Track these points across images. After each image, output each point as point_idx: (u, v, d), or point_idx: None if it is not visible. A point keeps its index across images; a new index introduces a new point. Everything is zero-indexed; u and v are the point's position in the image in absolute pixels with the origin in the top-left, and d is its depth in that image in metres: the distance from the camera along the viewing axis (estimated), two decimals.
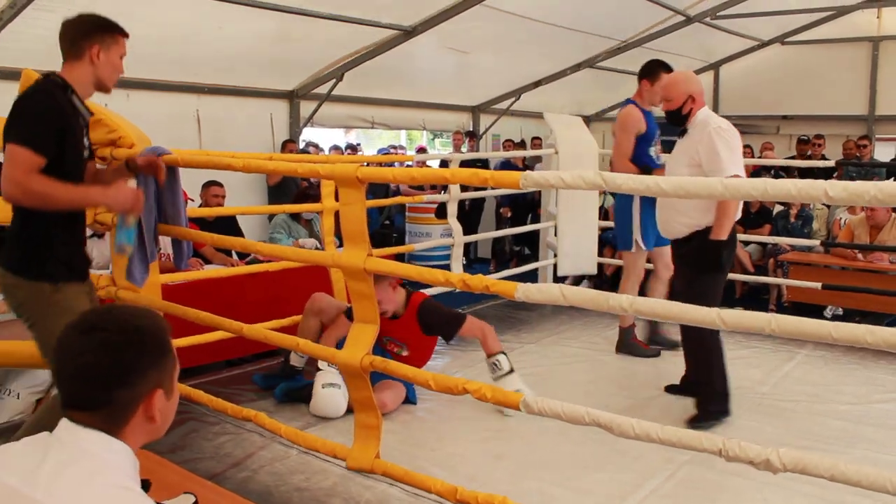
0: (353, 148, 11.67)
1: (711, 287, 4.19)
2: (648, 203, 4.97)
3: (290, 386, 4.49)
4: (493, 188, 9.43)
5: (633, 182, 2.43)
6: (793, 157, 9.60)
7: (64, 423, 1.44)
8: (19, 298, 2.94)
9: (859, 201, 2.02)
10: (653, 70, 5.17)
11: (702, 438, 2.32)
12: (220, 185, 6.35)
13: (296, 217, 6.76)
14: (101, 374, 1.41)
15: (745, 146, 9.95)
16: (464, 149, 10.59)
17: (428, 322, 4.41)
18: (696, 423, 4.09)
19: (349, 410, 4.03)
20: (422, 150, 13.09)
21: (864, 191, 1.94)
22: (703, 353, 4.22)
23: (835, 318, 7.20)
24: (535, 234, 8.04)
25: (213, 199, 6.30)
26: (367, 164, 9.50)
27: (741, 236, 7.45)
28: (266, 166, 3.71)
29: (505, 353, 4.41)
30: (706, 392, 4.24)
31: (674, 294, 4.27)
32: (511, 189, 8.58)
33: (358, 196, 3.07)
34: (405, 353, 4.41)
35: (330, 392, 4.18)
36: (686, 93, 4.20)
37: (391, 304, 4.34)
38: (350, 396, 3.42)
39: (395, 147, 13.48)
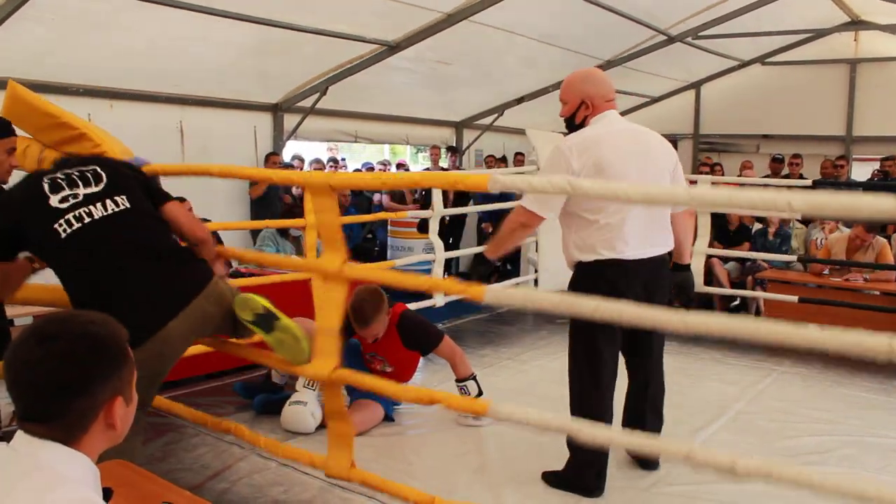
0: (336, 162, 11.67)
1: (580, 343, 3.45)
2: None
3: (269, 398, 4.50)
4: (472, 198, 9.51)
5: (600, 188, 2.44)
6: (767, 176, 9.71)
7: (19, 436, 1.40)
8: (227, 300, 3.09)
9: (822, 212, 2.04)
10: None
11: (668, 444, 2.35)
12: (185, 200, 6.31)
13: (283, 233, 6.76)
14: (58, 386, 1.38)
15: (716, 164, 10.09)
16: (446, 164, 10.62)
17: (407, 332, 4.42)
18: (551, 479, 3.62)
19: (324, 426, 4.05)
20: (401, 165, 13.11)
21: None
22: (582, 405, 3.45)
23: None
24: (517, 249, 8.08)
25: None
26: None
27: (720, 251, 7.55)
28: (243, 172, 3.74)
29: (475, 378, 4.44)
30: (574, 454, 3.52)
31: None
32: (489, 200, 8.63)
33: (331, 204, 3.09)
34: (389, 370, 4.42)
35: (294, 409, 4.22)
36: (580, 96, 3.42)
37: (382, 330, 4.36)
38: (324, 405, 3.44)
39: (383, 163, 13.45)
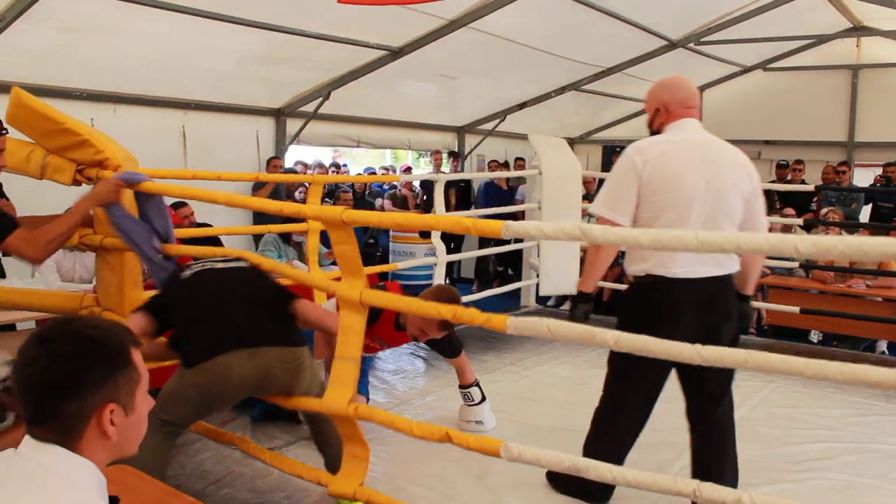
0: (337, 167, 11.68)
1: (617, 365, 3.35)
2: None
3: (265, 406, 4.47)
4: (474, 203, 9.53)
5: (610, 234, 2.39)
6: (773, 182, 9.72)
7: (26, 440, 1.41)
8: (302, 380, 3.21)
9: (827, 255, 2.04)
10: None
11: (677, 482, 2.34)
12: (187, 205, 6.32)
13: (286, 239, 6.75)
14: (48, 384, 1.38)
15: None
16: (447, 168, 10.64)
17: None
18: (557, 482, 3.58)
19: None
20: (408, 169, 13.13)
21: (832, 245, 1.96)
22: (601, 425, 3.49)
23: (819, 342, 7.30)
24: (518, 254, 8.09)
25: (184, 220, 6.23)
26: (353, 186, 9.49)
27: None
28: (250, 203, 3.74)
29: (478, 384, 4.43)
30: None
31: None
32: (491, 205, 8.64)
33: (348, 237, 3.04)
34: (384, 346, 4.37)
35: None
36: (655, 103, 3.31)
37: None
38: (340, 432, 3.41)
39: (387, 168, 13.44)
